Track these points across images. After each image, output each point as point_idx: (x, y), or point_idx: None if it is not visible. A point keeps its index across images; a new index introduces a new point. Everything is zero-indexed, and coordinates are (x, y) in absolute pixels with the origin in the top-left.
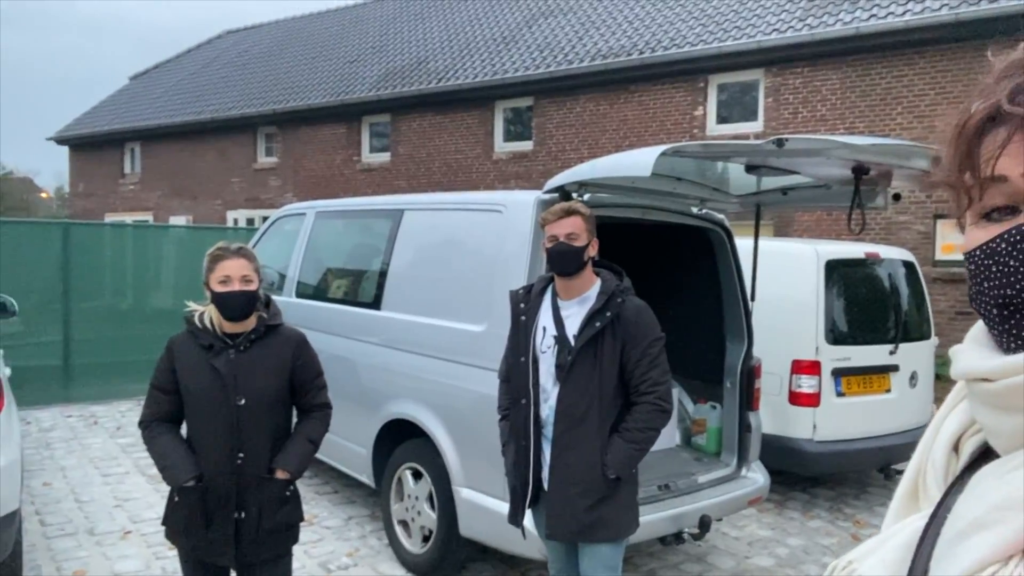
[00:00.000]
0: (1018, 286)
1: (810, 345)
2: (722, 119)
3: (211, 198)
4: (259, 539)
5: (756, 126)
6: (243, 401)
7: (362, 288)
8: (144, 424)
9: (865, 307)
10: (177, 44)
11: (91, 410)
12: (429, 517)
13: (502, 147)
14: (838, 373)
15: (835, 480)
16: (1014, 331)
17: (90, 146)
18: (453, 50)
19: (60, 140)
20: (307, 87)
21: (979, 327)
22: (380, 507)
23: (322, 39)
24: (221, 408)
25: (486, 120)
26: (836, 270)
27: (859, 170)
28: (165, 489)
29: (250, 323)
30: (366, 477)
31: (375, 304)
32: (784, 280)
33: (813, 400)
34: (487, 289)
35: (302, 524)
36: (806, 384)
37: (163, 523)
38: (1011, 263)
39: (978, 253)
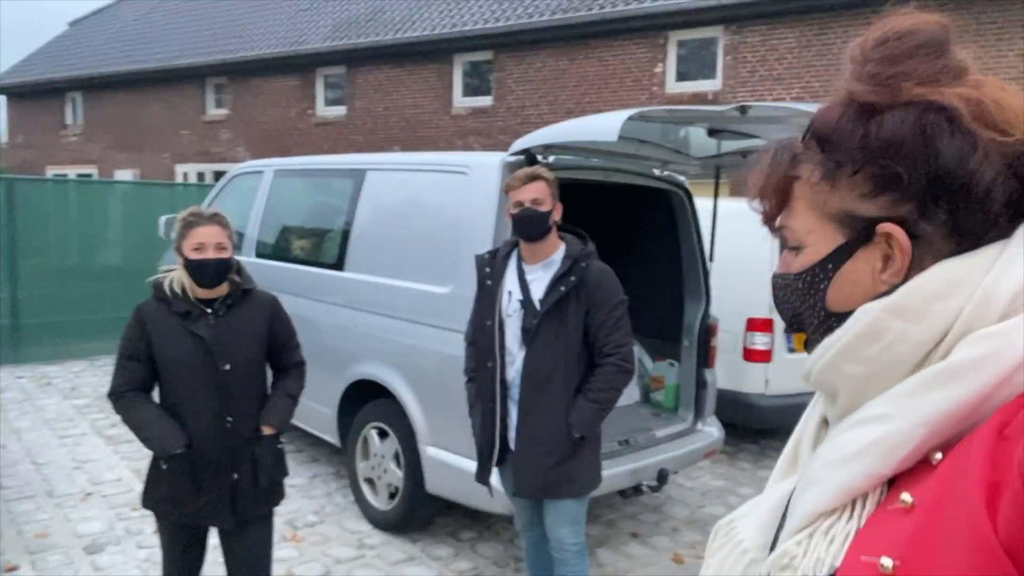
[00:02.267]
0: (798, 310)
1: (763, 304)
2: (681, 76)
3: (159, 151)
4: (256, 496)
5: (715, 84)
6: (228, 366)
7: (324, 248)
8: (117, 395)
9: None
10: None
11: (43, 371)
12: (395, 475)
13: (461, 102)
14: (789, 330)
15: (784, 432)
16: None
17: (29, 95)
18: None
19: None
20: (257, 36)
21: None
22: (345, 465)
23: None
24: (206, 374)
25: (444, 74)
26: None
27: None
28: (125, 450)
29: (223, 288)
30: (331, 436)
31: (338, 265)
32: (739, 240)
33: (766, 356)
34: (453, 251)
35: None
36: (759, 341)
37: (145, 493)
38: (799, 290)
39: (779, 280)
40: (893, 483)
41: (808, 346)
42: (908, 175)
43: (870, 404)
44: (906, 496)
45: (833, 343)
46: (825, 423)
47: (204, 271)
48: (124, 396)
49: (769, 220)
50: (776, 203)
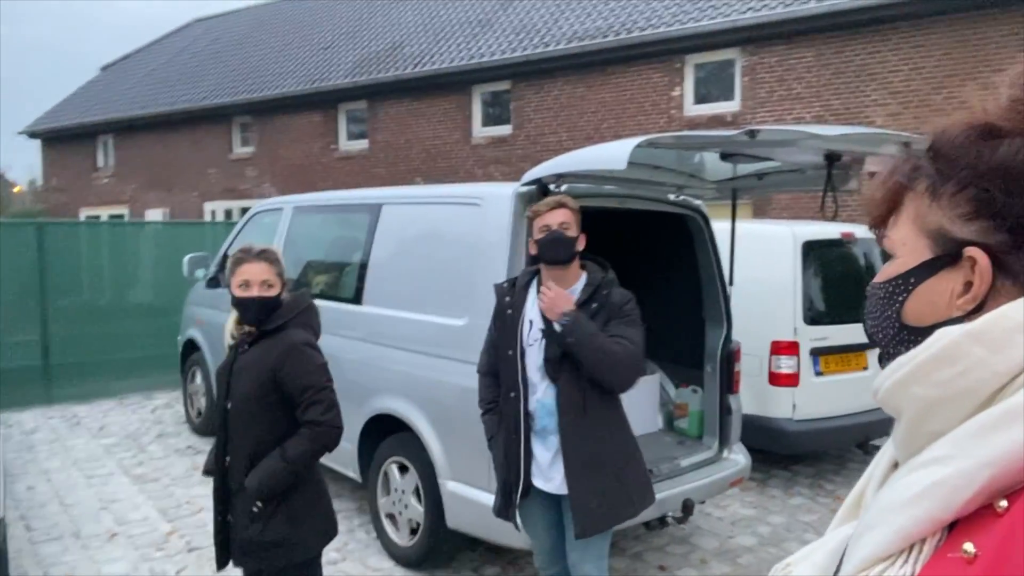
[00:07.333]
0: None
1: (788, 326)
2: (699, 99)
3: (187, 190)
4: (243, 548)
5: (733, 105)
6: (230, 405)
7: (342, 283)
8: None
9: (841, 286)
10: (147, 33)
11: (73, 411)
12: (416, 510)
13: (480, 132)
14: (816, 352)
15: (815, 457)
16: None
17: (63, 139)
18: (428, 34)
19: (32, 134)
20: (281, 75)
21: None
22: (367, 501)
23: (294, 26)
24: (218, 409)
25: (464, 105)
26: (813, 251)
27: (831, 156)
28: (151, 490)
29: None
30: (352, 472)
31: (356, 299)
32: (762, 262)
33: (792, 380)
34: (467, 283)
35: None
36: (785, 365)
37: None
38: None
39: (869, 290)
40: (953, 527)
41: (881, 360)
42: (1005, 204)
43: (932, 447)
44: (969, 546)
45: (906, 362)
46: (895, 467)
47: (246, 308)
48: None
49: (875, 225)
50: (884, 210)
